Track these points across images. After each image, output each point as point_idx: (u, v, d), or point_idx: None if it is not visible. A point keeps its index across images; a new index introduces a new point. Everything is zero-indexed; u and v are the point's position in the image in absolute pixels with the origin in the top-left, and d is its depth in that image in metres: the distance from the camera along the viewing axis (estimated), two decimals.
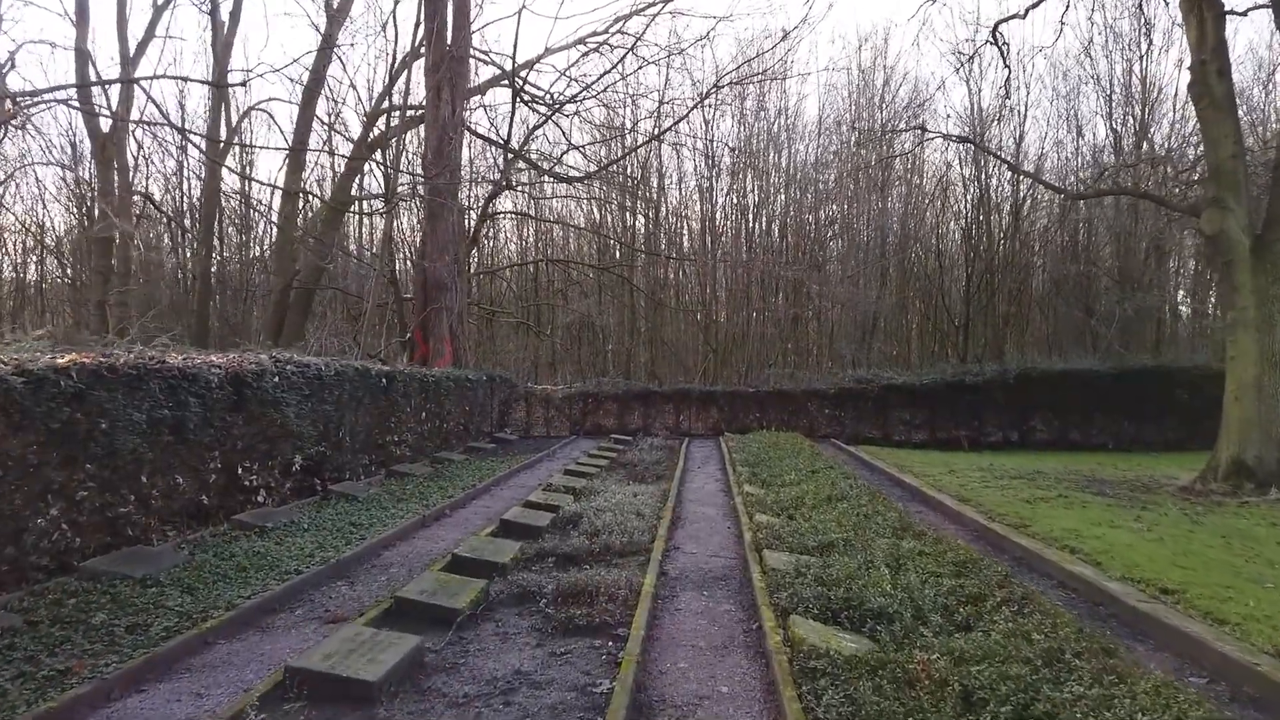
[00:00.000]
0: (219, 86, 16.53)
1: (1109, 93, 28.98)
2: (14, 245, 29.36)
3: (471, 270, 22.96)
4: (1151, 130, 28.44)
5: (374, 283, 17.34)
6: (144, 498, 6.65)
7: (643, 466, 12.79)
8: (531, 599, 5.56)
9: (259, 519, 7.56)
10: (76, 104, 15.68)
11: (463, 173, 19.99)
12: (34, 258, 30.01)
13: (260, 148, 20.13)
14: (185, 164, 24.04)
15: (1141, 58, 28.14)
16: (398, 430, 12.15)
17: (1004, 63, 15.27)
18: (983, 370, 20.50)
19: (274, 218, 19.52)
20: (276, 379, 8.45)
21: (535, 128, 19.99)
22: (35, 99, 12.53)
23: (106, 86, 18.00)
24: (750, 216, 29.69)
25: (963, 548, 6.36)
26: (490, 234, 31.89)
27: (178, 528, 7.37)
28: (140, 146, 21.39)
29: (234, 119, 20.26)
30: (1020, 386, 19.41)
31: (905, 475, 12.69)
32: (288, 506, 8.42)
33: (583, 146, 20.03)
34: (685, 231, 31.16)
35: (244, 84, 16.67)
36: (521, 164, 20.43)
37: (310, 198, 20.41)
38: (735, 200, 29.67)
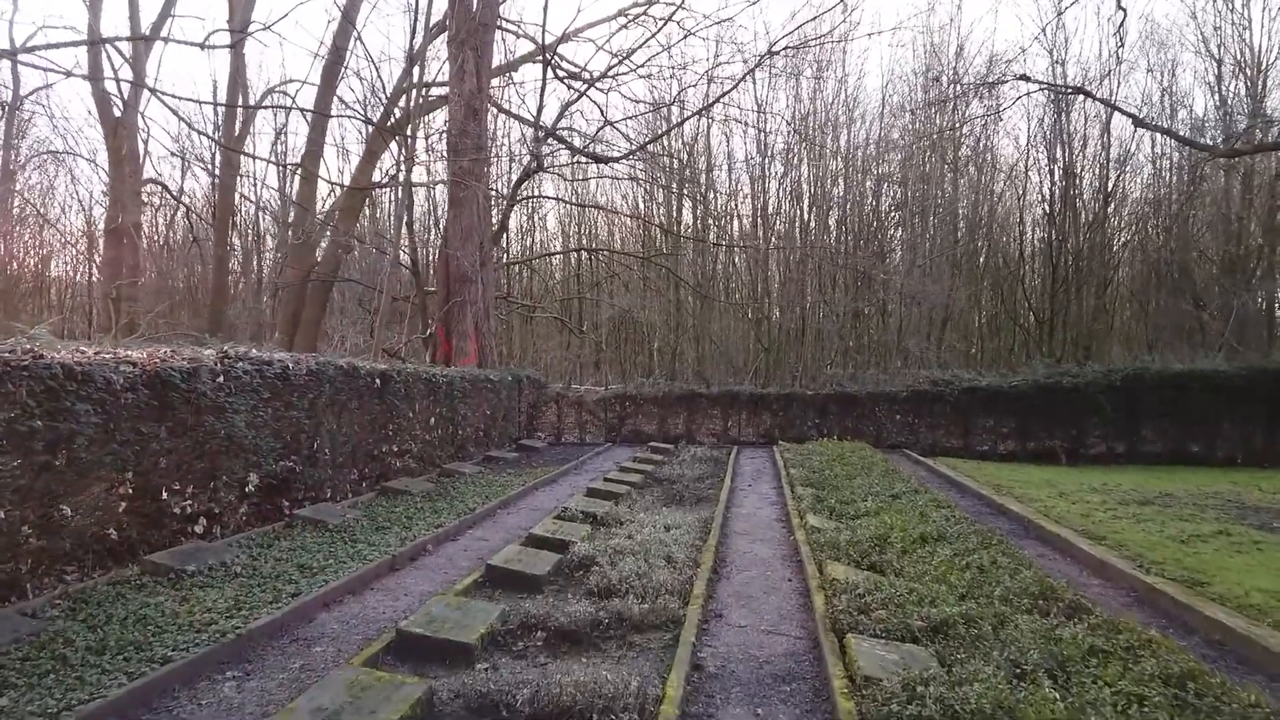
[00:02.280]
0: (216, 48, 15.26)
1: (1218, 59, 25.68)
2: (69, 244, 29.29)
3: (501, 261, 21.34)
4: (1266, 99, 25.05)
5: (387, 271, 15.79)
6: (5, 537, 5.00)
7: (682, 484, 10.80)
8: (493, 714, 3.65)
9: (180, 559, 5.86)
10: (82, 73, 14.54)
11: (490, 154, 18.35)
12: (84, 255, 29.98)
13: (263, 106, 18.52)
14: (215, 160, 23.19)
15: (1250, 23, 24.86)
16: (397, 439, 10.45)
17: (1119, 3, 12.72)
18: (1083, 371, 17.77)
19: (289, 212, 18.22)
20: (220, 379, 6.76)
21: (569, 104, 18.19)
22: (33, 50, 11.27)
23: (117, 73, 16.90)
24: (806, 204, 27.32)
25: (1161, 642, 4.17)
26: (528, 224, 30.37)
27: (84, 568, 5.76)
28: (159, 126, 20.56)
29: (253, 100, 19.08)
30: (1128, 390, 16.67)
31: (1006, 499, 10.38)
32: (233, 539, 6.73)
33: (622, 121, 18.13)
34: (735, 221, 28.99)
35: (234, 46, 15.21)
36: (556, 144, 18.64)
37: (330, 184, 19.11)
38: (790, 187, 27.37)
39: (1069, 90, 17.99)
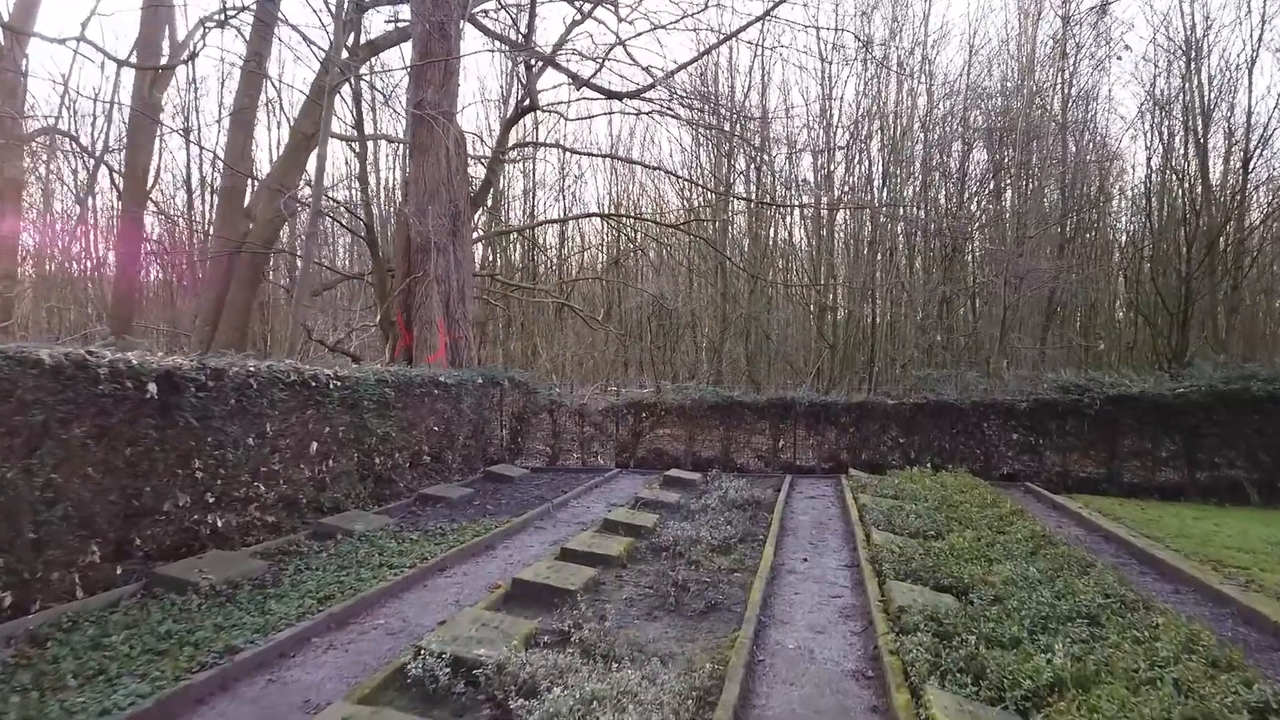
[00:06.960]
0: None
1: None
2: None
3: (486, 227, 17.33)
4: None
5: (309, 228, 11.86)
6: None
7: (692, 559, 6.43)
8: None
9: None
10: None
11: (467, 88, 14.25)
12: None
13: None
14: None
15: None
16: (217, 483, 6.39)
17: None
18: (1276, 375, 12.67)
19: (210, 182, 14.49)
20: None
21: (574, 24, 14.00)
22: None
23: None
24: (880, 166, 22.42)
25: None
26: (563, 194, 26.30)
27: None
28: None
29: (179, 35, 15.44)
30: None
31: (1256, 599, 5.66)
32: None
33: (636, 38, 13.78)
34: (795, 189, 24.23)
35: None
36: (561, 79, 14.43)
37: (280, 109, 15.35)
38: (859, 146, 22.51)
39: None
